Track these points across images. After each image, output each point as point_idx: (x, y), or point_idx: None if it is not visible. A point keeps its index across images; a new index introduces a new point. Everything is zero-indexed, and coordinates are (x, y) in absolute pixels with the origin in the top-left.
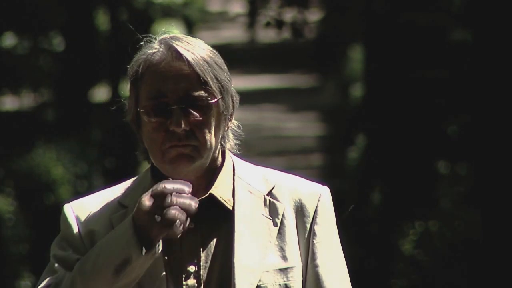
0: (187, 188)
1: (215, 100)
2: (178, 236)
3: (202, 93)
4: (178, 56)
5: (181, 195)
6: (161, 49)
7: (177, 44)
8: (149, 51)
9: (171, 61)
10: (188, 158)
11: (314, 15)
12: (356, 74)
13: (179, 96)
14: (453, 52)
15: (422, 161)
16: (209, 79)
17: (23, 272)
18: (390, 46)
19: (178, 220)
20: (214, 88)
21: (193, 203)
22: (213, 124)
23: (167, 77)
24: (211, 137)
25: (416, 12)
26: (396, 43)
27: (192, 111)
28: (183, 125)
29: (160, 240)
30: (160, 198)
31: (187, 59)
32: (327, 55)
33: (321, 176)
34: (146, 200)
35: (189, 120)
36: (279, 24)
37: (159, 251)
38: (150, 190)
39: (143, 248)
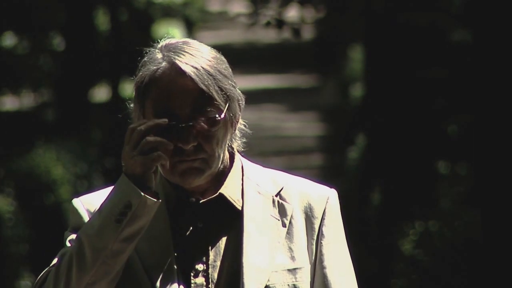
0: (150, 121)
1: (222, 114)
2: (166, 161)
3: (208, 108)
4: (182, 72)
5: (144, 124)
6: (163, 64)
7: (179, 59)
8: (152, 68)
9: (175, 78)
10: (197, 171)
11: (314, 15)
12: (356, 74)
13: (186, 113)
14: (453, 52)
15: (422, 161)
16: (214, 93)
17: (23, 272)
18: (390, 46)
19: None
20: (219, 101)
21: (159, 121)
22: (220, 134)
23: (172, 94)
24: (218, 147)
25: (416, 12)
26: (396, 43)
27: (199, 127)
28: (189, 143)
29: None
30: (131, 138)
31: (190, 76)
32: (327, 55)
33: (321, 176)
34: (123, 153)
35: (197, 135)
36: (279, 24)
37: (159, 198)
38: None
39: (141, 193)
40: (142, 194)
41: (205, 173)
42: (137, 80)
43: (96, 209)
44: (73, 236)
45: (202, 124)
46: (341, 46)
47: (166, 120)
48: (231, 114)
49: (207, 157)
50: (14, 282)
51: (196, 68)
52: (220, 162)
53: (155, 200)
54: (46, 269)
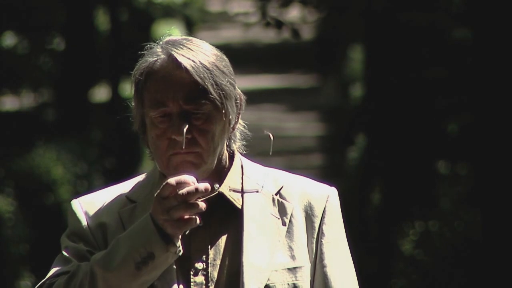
0: (190, 180)
1: (218, 106)
2: (197, 225)
3: (202, 101)
4: (178, 64)
5: (185, 189)
6: (161, 57)
7: (177, 52)
8: (150, 59)
9: (172, 70)
10: (191, 165)
11: (314, 15)
12: (356, 74)
13: (180, 104)
14: (454, 51)
15: (422, 161)
16: (209, 86)
17: (23, 272)
18: (390, 46)
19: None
20: (215, 95)
21: (201, 189)
22: (216, 129)
23: (167, 86)
24: (213, 143)
25: (416, 12)
26: (396, 43)
27: (194, 119)
28: (183, 134)
29: (180, 240)
30: (166, 201)
31: (185, 68)
32: (327, 55)
33: (321, 176)
34: (155, 204)
35: (191, 127)
36: (278, 24)
37: (181, 251)
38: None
39: (166, 245)
40: (168, 250)
41: (200, 168)
42: (135, 72)
43: (97, 212)
44: (71, 244)
45: (196, 116)
46: (341, 46)
47: (209, 186)
48: (227, 111)
49: (202, 152)
50: (14, 282)
51: (192, 61)
52: (215, 159)
53: (178, 253)
54: (43, 280)
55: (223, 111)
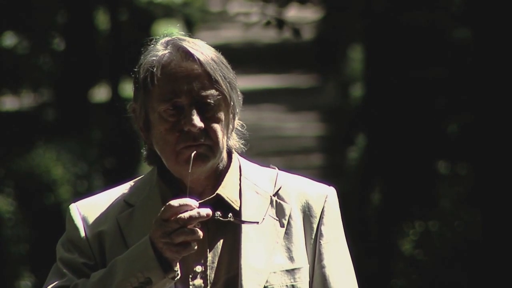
0: (193, 203)
1: (226, 98)
2: (195, 250)
3: (213, 92)
4: (189, 56)
5: (187, 213)
6: (168, 50)
7: (186, 44)
8: (157, 53)
9: (181, 62)
10: (202, 158)
11: (314, 15)
12: (356, 74)
13: (192, 96)
14: (454, 51)
15: (422, 161)
16: (219, 78)
17: (23, 272)
18: (390, 46)
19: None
20: (224, 86)
21: (203, 214)
22: (224, 122)
23: (178, 77)
24: (223, 136)
25: (416, 11)
26: (396, 43)
27: (205, 110)
28: (198, 125)
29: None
30: (167, 223)
31: (198, 59)
32: (327, 55)
33: (321, 176)
34: (156, 226)
35: (203, 119)
36: (279, 23)
37: (179, 275)
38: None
39: (163, 270)
40: (165, 276)
41: (210, 161)
42: (143, 67)
43: (94, 218)
44: (66, 255)
45: (207, 107)
46: (341, 46)
47: (210, 212)
48: (233, 105)
49: (212, 144)
50: (14, 282)
51: (202, 53)
52: (221, 155)
53: (174, 279)
54: None
55: (231, 103)
